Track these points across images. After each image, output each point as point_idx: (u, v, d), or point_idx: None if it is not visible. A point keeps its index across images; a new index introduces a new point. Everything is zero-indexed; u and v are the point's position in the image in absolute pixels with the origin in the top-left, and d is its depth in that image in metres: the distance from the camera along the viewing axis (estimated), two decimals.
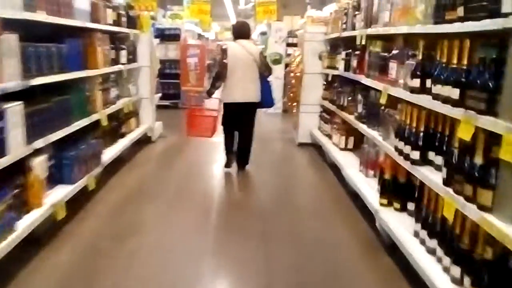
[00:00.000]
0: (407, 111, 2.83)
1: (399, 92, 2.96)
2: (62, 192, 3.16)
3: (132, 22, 5.42)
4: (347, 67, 4.61)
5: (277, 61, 9.32)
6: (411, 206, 2.92)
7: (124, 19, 4.98)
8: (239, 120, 4.56)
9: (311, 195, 4.26)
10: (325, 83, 5.75)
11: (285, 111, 9.35)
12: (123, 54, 4.96)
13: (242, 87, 4.40)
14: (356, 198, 3.71)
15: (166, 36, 9.30)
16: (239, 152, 4.71)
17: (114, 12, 4.54)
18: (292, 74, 5.91)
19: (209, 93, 4.61)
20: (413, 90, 2.74)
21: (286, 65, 9.18)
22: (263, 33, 13.76)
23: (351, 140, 4.64)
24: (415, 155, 2.68)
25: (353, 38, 4.33)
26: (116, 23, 4.66)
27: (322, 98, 5.80)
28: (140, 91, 5.82)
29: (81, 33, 3.83)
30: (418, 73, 2.69)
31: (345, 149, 4.67)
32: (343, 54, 4.76)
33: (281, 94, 9.35)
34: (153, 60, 5.93)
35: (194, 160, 5.40)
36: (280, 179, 4.77)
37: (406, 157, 2.80)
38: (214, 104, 4.95)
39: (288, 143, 6.35)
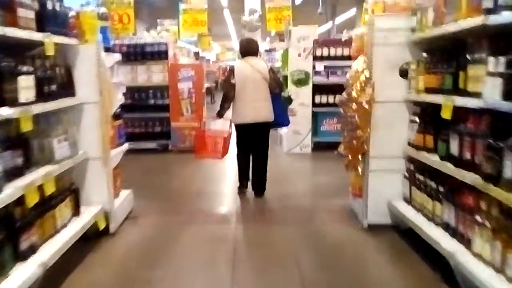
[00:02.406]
0: None
1: None
2: None
3: (61, 24, 2.89)
4: None
5: (302, 82, 6.72)
6: None
7: (29, 13, 2.43)
8: (252, 142, 4.39)
9: None
10: (417, 119, 3.15)
11: (316, 150, 6.74)
12: (25, 84, 2.39)
13: (252, 107, 4.21)
14: None
15: (148, 54, 6.77)
16: (254, 179, 4.47)
17: None
18: (354, 106, 3.29)
19: (219, 115, 4.42)
20: None
21: (325, 88, 6.60)
22: (268, 51, 11.35)
23: None
24: None
25: None
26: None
27: (411, 145, 3.20)
28: (83, 148, 3.23)
29: None
30: None
31: None
32: (494, 63, 2.16)
33: (309, 127, 6.75)
34: (106, 91, 3.35)
35: None
36: None
37: None
38: (221, 128, 4.45)
39: (345, 223, 3.66)
